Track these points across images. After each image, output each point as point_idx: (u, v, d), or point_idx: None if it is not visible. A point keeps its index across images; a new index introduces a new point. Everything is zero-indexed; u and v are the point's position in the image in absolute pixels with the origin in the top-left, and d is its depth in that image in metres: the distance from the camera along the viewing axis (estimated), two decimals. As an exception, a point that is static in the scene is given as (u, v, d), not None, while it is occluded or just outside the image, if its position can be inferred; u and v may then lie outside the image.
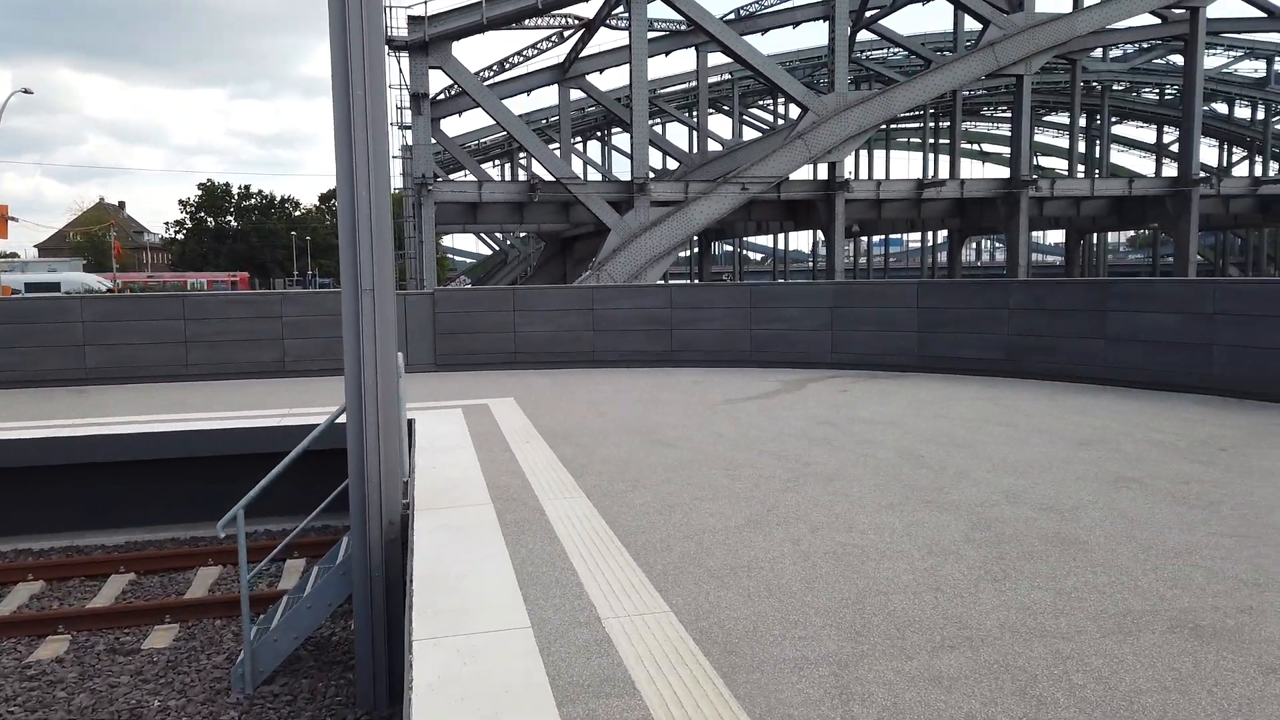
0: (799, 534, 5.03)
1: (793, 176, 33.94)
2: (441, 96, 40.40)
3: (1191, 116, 33.49)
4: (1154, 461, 6.60)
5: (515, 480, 6.32)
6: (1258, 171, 58.21)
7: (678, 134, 68.38)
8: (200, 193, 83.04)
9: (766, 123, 67.38)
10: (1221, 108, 62.58)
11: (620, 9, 34.57)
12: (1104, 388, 9.77)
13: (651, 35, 44.15)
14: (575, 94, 46.43)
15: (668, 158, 57.37)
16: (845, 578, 4.30)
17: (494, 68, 41.24)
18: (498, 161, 66.90)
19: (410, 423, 8.49)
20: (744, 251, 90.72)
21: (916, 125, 70.96)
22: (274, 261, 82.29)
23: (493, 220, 36.59)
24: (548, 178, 32.33)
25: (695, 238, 52.09)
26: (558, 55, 42.09)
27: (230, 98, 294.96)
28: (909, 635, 3.62)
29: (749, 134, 63.84)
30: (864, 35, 44.33)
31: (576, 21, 37.59)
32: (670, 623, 3.79)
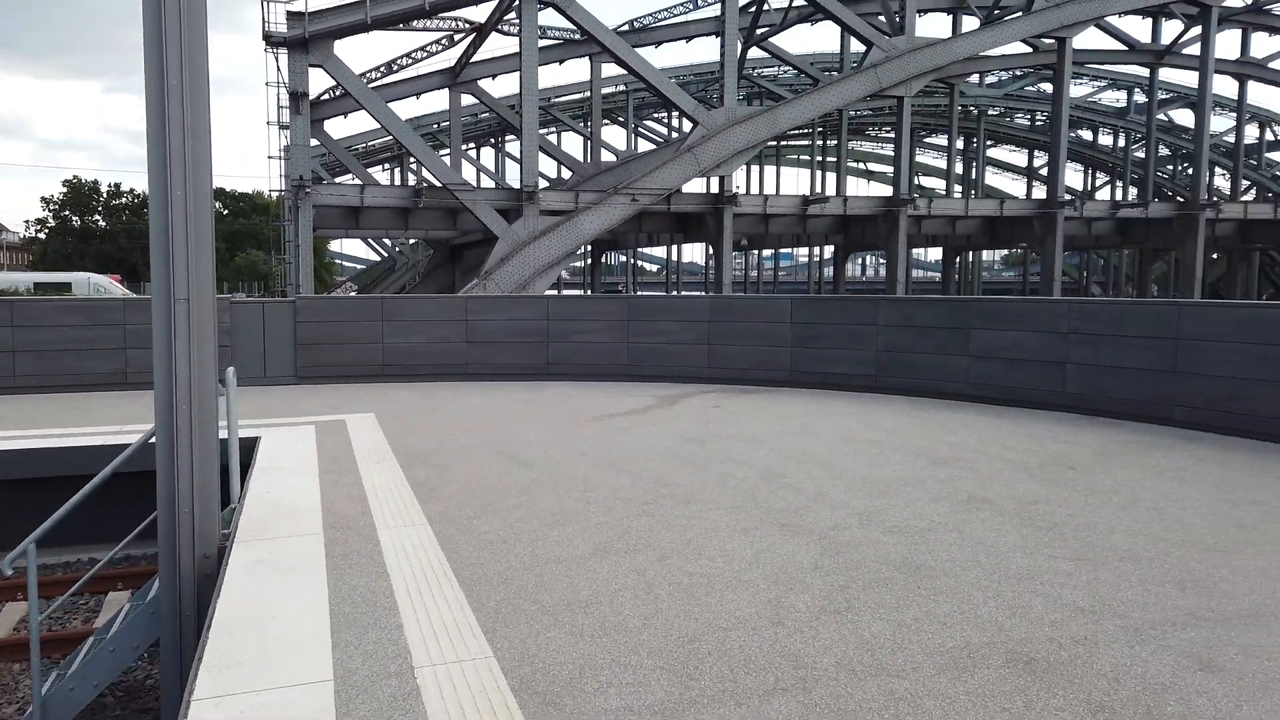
0: (646, 563, 4.80)
1: (683, 189, 34.19)
2: (326, 97, 39.00)
3: (1058, 142, 35.28)
4: (1005, 481, 6.67)
5: (355, 506, 5.89)
6: (1118, 195, 61.93)
7: (572, 143, 68.15)
8: (65, 190, 78.06)
9: (661, 135, 67.90)
10: (1087, 134, 66.41)
11: (512, 15, 34.12)
12: (967, 404, 9.97)
13: (545, 43, 43.89)
14: (467, 99, 45.67)
15: (562, 167, 57.11)
16: (686, 612, 4.09)
17: (381, 69, 40.13)
18: (387, 166, 65.27)
19: (254, 441, 7.93)
20: (639, 262, 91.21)
21: (806, 143, 72.89)
22: (145, 264, 77.98)
23: (376, 226, 35.48)
24: (437, 183, 31.57)
25: (588, 248, 51.96)
26: (449, 59, 41.32)
27: (105, 91, 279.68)
28: (742, 677, 3.42)
29: (644, 146, 64.22)
30: (756, 53, 45.18)
31: (468, 25, 36.93)
32: (490, 670, 3.48)
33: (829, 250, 64.89)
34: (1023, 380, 9.55)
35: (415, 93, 42.58)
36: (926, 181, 78.71)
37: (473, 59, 39.25)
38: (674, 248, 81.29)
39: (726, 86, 31.15)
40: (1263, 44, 47.06)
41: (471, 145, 64.24)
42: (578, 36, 42.06)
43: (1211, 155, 53.28)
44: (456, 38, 37.87)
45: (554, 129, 64.96)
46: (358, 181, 35.70)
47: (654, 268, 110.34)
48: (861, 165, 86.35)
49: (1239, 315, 7.73)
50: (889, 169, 69.65)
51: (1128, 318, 8.65)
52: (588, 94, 52.35)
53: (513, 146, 66.79)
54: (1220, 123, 62.29)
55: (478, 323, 12.35)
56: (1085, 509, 5.93)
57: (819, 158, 68.11)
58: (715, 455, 7.55)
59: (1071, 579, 4.57)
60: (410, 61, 39.12)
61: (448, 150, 46.71)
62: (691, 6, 42.35)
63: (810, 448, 7.85)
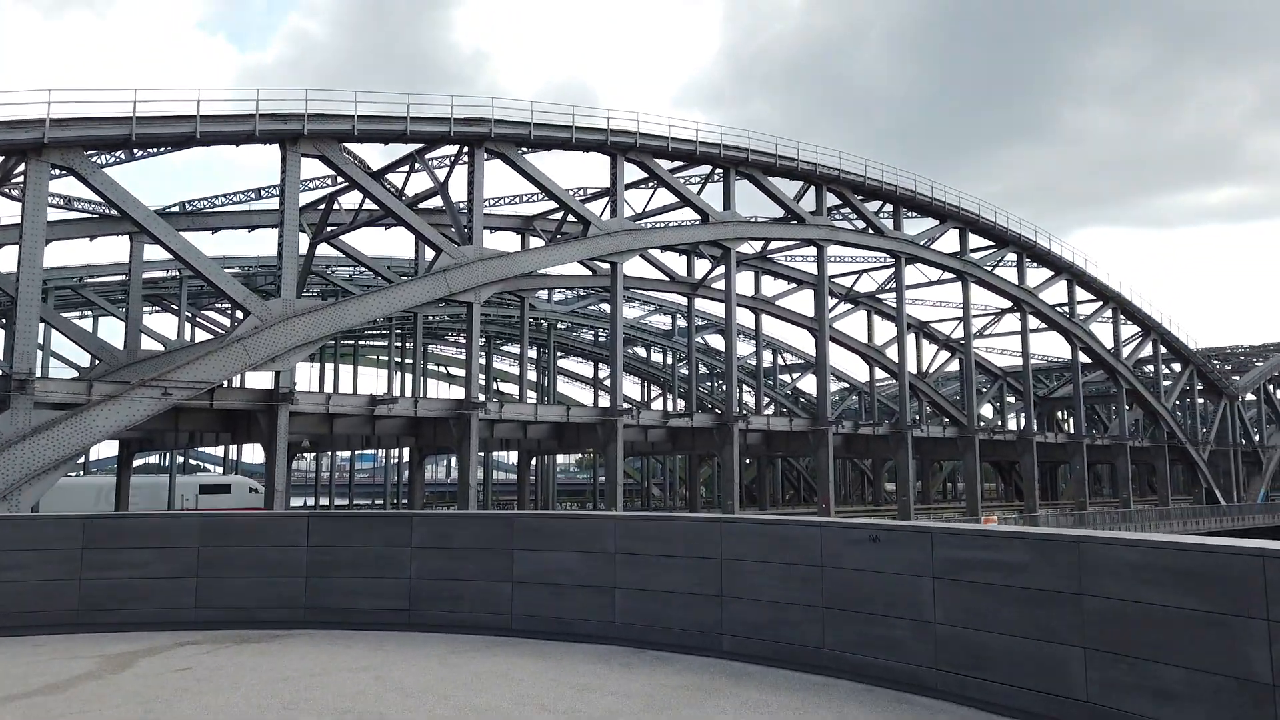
0: None
1: (233, 384, 30.44)
2: None
3: (616, 355, 37.87)
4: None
5: None
6: (669, 406, 68.48)
7: (113, 330, 59.77)
8: None
9: (224, 327, 62.35)
10: (641, 351, 73.58)
11: (20, 177, 29.06)
12: (514, 641, 8.45)
13: (72, 216, 38.39)
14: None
15: (96, 359, 49.16)
16: None
17: None
18: None
19: None
20: (192, 463, 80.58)
21: (384, 344, 71.74)
22: None
23: None
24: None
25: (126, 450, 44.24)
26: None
27: None
28: None
29: (203, 337, 58.14)
30: (333, 252, 43.55)
31: (-42, 182, 30.80)
32: None
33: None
34: (572, 609, 8.32)
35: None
36: (505, 387, 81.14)
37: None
38: (234, 448, 73.45)
39: (284, 277, 28.92)
40: (771, 285, 56.42)
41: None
42: (114, 212, 37.28)
43: (740, 375, 61.24)
44: (-55, 195, 31.34)
45: (87, 312, 56.65)
46: None
47: (217, 468, 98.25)
48: (442, 369, 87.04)
49: (776, 532, 7.32)
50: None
51: (673, 535, 7.93)
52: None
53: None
54: (745, 348, 72.64)
55: None
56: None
57: (397, 359, 67.12)
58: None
59: None
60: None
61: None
62: (254, 196, 39.99)
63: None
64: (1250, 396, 79.68)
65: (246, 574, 9.26)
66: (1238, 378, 79.05)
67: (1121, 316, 64.49)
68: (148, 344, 46.12)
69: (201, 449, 76.94)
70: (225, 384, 29.94)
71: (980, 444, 52.63)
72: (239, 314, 59.97)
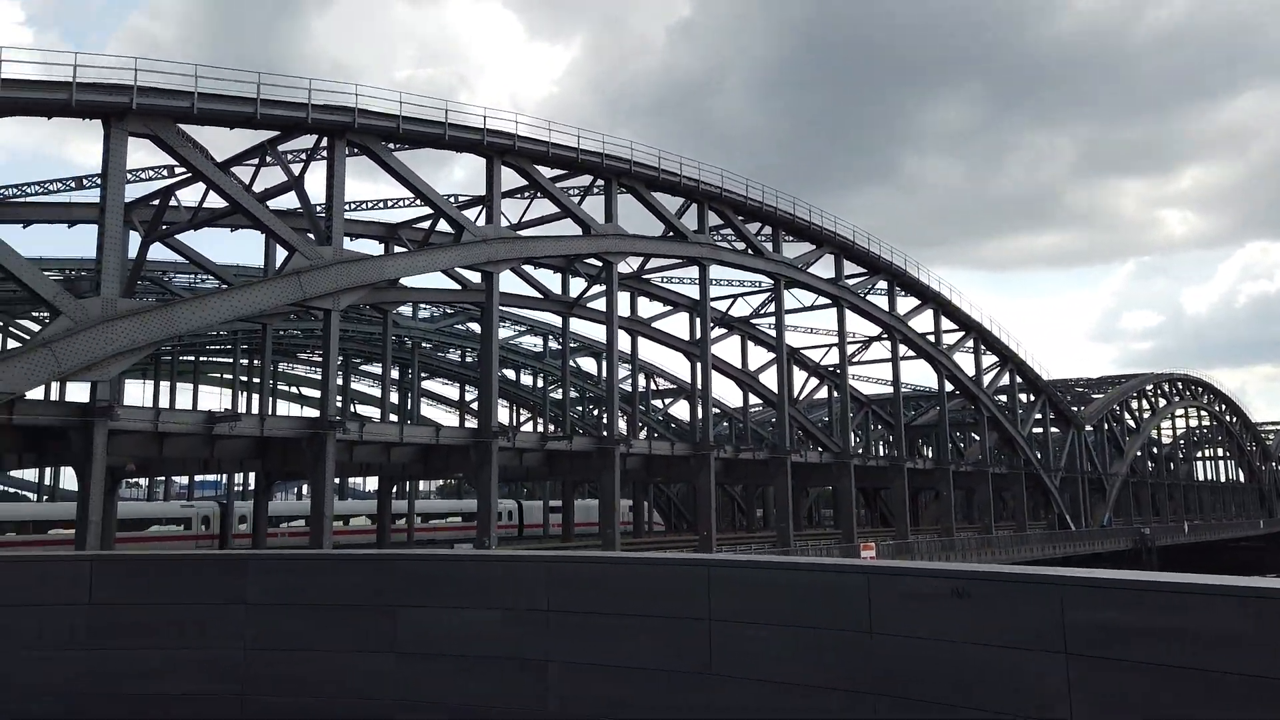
0: None
1: (35, 396, 25.88)
2: None
3: (490, 370, 35.04)
4: None
5: None
6: (539, 430, 65.62)
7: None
8: None
9: (39, 338, 55.30)
10: (511, 374, 70.50)
11: None
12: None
13: None
14: None
15: None
16: None
17: None
18: None
19: None
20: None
21: (229, 360, 65.84)
22: None
23: None
24: None
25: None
26: None
27: None
28: None
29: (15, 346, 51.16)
30: (173, 256, 38.71)
31: None
32: None
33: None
34: (485, 693, 5.83)
35: None
36: (363, 410, 76.30)
37: None
38: (49, 472, 65.52)
39: (105, 272, 24.83)
40: (646, 308, 54.93)
41: None
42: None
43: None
44: None
45: None
46: None
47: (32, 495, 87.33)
48: (294, 389, 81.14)
49: (796, 581, 5.09)
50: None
51: (636, 584, 5.60)
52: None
53: None
54: (620, 371, 70.78)
55: None
56: None
57: (244, 377, 61.60)
58: None
59: None
60: None
61: None
62: (74, 185, 35.05)
63: None
64: (1089, 427, 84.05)
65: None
66: (1079, 408, 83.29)
67: (982, 346, 66.46)
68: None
69: (15, 474, 68.15)
70: (30, 396, 25.44)
71: (855, 470, 52.46)
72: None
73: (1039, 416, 75.72)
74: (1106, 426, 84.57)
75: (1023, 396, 74.13)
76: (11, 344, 52.19)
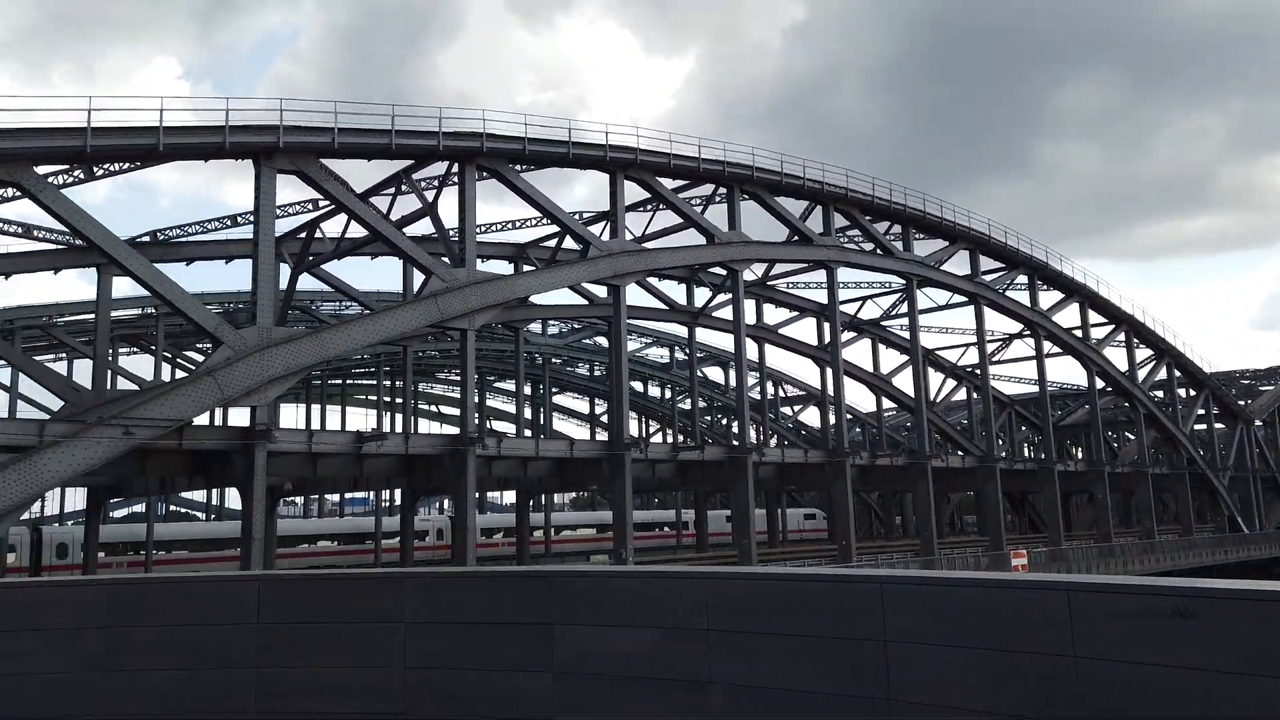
0: None
1: (200, 421, 27.69)
2: None
3: (620, 382, 35.20)
4: None
5: None
6: (672, 441, 65.71)
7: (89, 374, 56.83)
8: None
9: (203, 367, 59.44)
10: (639, 385, 70.97)
11: (-31, 197, 26.55)
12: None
13: (38, 247, 35.77)
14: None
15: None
16: None
17: None
18: None
19: None
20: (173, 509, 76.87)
21: (373, 383, 68.89)
22: None
23: None
24: None
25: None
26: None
27: None
28: None
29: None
30: (319, 286, 40.87)
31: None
32: None
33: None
34: (644, 714, 5.65)
35: None
36: (498, 426, 78.39)
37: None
38: (215, 493, 70.14)
39: (260, 303, 26.31)
40: (771, 314, 54.27)
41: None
42: (80, 242, 34.66)
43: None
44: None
45: (61, 354, 53.84)
46: None
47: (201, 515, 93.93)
48: (434, 408, 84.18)
49: (978, 600, 4.65)
50: (459, 411, 67.82)
51: (802, 602, 5.22)
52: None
53: (2, 372, 53.87)
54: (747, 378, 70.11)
55: None
56: None
57: (387, 398, 64.30)
58: None
59: None
60: None
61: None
62: (229, 223, 37.46)
63: None
64: (1259, 422, 77.53)
65: (167, 664, 6.55)
66: (1246, 402, 77.02)
67: (1135, 340, 62.39)
68: (125, 386, 43.34)
69: (186, 495, 73.46)
70: (197, 422, 27.24)
71: (1001, 473, 50.03)
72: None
73: (1201, 412, 70.46)
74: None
75: (1182, 391, 69.08)
76: (179, 375, 56.17)
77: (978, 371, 54.48)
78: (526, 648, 6.03)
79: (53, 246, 35.80)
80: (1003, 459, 54.57)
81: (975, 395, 58.72)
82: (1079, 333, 58.44)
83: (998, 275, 53.19)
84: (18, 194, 26.20)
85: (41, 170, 24.68)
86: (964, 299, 50.81)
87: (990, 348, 55.64)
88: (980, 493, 53.26)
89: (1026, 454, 75.88)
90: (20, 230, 33.58)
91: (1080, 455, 79.58)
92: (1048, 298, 56.60)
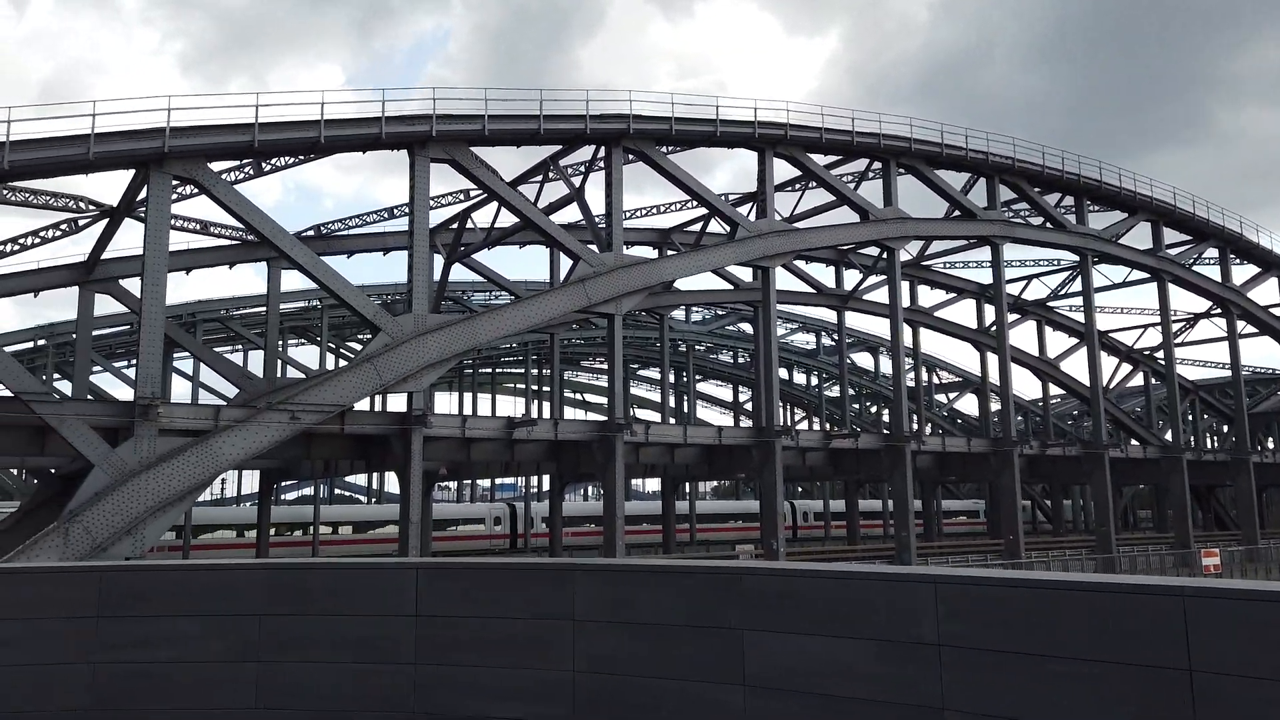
0: None
1: (362, 407, 28.48)
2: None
3: (770, 366, 34.03)
4: None
5: None
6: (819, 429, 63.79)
7: (259, 363, 60.43)
8: None
9: (364, 357, 62.11)
10: (784, 372, 69.27)
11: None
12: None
13: (214, 243, 37.85)
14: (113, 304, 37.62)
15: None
16: None
17: (-21, 254, 31.77)
18: None
19: None
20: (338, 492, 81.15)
21: (520, 370, 70.27)
22: None
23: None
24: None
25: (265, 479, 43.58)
26: (81, 249, 33.94)
27: None
28: None
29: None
30: (470, 276, 41.64)
31: (94, 209, 30.26)
32: None
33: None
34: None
35: (31, 289, 34.27)
36: (642, 414, 78.48)
37: (105, 252, 31.95)
38: (376, 477, 73.36)
39: (415, 290, 26.73)
40: (925, 297, 51.51)
41: (126, 362, 54.56)
42: (253, 238, 36.41)
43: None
44: (82, 222, 30.89)
45: (238, 346, 57.26)
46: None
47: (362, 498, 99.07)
48: (578, 396, 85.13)
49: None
50: (604, 399, 68.15)
51: (1061, 613, 4.15)
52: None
53: (184, 362, 57.86)
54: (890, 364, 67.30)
55: None
56: None
57: (534, 386, 65.37)
58: None
59: None
60: (16, 248, 31.10)
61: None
62: (386, 215, 38.57)
63: None
64: None
65: (324, 658, 6.12)
66: None
67: (1346, 317, 55.72)
68: (293, 375, 45.68)
69: (348, 479, 77.37)
70: (357, 407, 28.06)
71: (1188, 465, 45.73)
72: (377, 342, 59.56)
73: None
74: None
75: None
76: (341, 363, 58.91)
77: (1157, 355, 50.05)
78: (713, 655, 5.21)
79: (227, 242, 37.78)
80: (1189, 450, 49.92)
81: (1156, 380, 54.00)
82: (1277, 310, 52.78)
83: (1183, 249, 48.61)
84: (195, 191, 27.62)
85: (215, 167, 25.88)
86: (1145, 275, 46.67)
87: (1176, 327, 50.95)
88: (1163, 486, 48.90)
89: (1211, 444, 69.46)
90: (198, 226, 35.53)
91: (1272, 446, 72.27)
92: (1241, 273, 51.39)
